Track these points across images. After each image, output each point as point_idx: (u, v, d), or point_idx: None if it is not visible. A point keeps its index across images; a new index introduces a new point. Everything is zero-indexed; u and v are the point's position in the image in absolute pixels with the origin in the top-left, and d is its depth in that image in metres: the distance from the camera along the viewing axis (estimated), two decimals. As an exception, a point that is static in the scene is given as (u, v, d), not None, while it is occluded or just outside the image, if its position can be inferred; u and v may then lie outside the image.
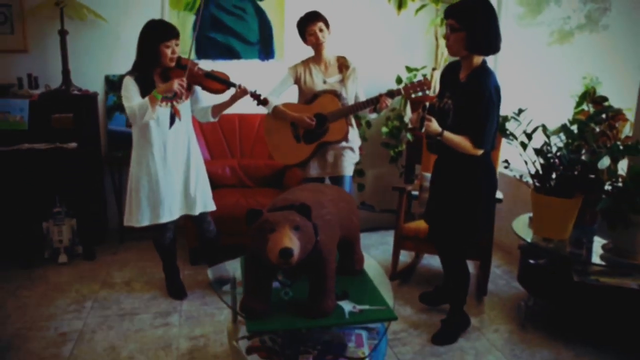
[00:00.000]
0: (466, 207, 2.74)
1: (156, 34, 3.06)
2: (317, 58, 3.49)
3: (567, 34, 3.98)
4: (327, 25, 3.40)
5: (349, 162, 3.53)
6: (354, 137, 3.56)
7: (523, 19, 4.36)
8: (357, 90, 3.52)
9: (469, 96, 2.57)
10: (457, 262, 2.92)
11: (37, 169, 3.92)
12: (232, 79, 3.27)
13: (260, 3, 4.51)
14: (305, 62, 3.52)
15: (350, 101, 3.46)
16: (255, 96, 3.29)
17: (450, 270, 2.95)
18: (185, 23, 4.36)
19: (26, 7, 4.13)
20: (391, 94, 3.30)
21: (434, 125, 2.56)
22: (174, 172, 3.19)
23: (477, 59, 2.62)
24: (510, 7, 4.35)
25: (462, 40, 2.53)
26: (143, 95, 3.03)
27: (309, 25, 3.37)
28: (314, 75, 3.46)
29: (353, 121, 3.56)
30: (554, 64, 4.04)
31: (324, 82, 3.45)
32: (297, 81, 3.51)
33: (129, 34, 4.33)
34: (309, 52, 3.51)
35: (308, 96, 3.47)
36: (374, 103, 3.32)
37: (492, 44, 2.56)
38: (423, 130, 2.57)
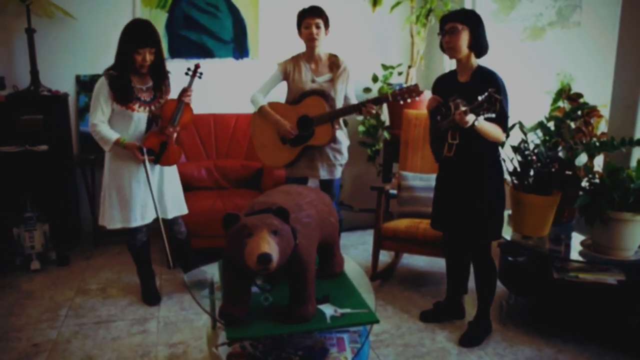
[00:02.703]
0: (489, 198, 2.75)
1: (130, 37, 2.98)
2: (308, 55, 3.42)
3: (539, 30, 4.00)
4: (326, 24, 3.34)
5: (338, 165, 3.50)
6: (342, 137, 3.50)
7: (496, 16, 4.37)
8: (347, 90, 3.45)
9: (483, 90, 2.55)
10: (487, 260, 2.87)
11: (6, 172, 3.80)
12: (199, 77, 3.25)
13: (233, 1, 4.45)
14: (295, 59, 3.44)
15: (339, 102, 3.40)
16: (193, 75, 3.19)
17: (481, 270, 2.90)
18: (157, 21, 4.27)
19: (-10, 5, 4.01)
20: (377, 100, 3.22)
21: (470, 115, 2.52)
22: (142, 176, 3.12)
23: (474, 61, 2.75)
24: (484, 4, 4.36)
25: (466, 39, 2.67)
26: (118, 95, 2.99)
27: (308, 18, 3.30)
28: (303, 73, 3.39)
29: (341, 122, 3.51)
30: (528, 60, 4.06)
31: (313, 80, 3.39)
32: (285, 78, 3.44)
33: (100, 32, 4.26)
34: (284, 50, 3.45)
35: (296, 95, 3.39)
36: (359, 109, 3.25)
37: (486, 44, 2.73)
38: (475, 120, 2.50)
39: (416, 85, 3.22)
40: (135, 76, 3.08)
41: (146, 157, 3.04)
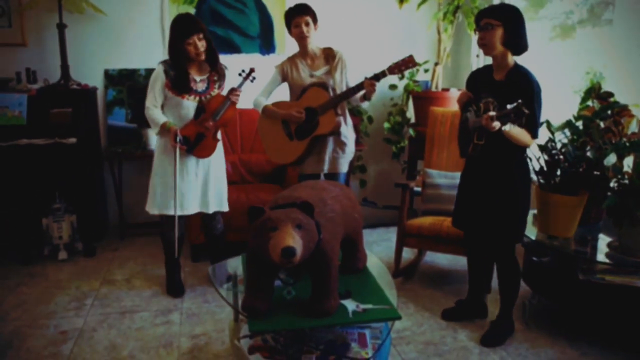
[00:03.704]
0: (515, 201, 2.72)
1: (176, 31, 3.08)
2: (302, 52, 3.44)
3: (569, 28, 3.93)
4: (314, 20, 3.34)
5: (345, 159, 3.48)
6: (347, 132, 3.49)
7: (525, 13, 4.30)
8: (347, 80, 3.44)
9: (516, 92, 2.55)
10: (512, 261, 2.85)
11: (36, 164, 3.88)
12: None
13: (260, -4, 4.48)
14: (291, 59, 3.47)
15: (341, 91, 3.39)
16: (245, 78, 3.32)
17: (505, 271, 2.88)
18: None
19: (24, 0, 4.09)
20: (376, 76, 3.21)
21: (497, 122, 2.48)
22: (191, 167, 3.22)
23: (511, 59, 2.68)
24: (513, 1, 4.30)
25: (500, 36, 2.61)
26: (173, 84, 3.12)
27: (296, 17, 3.31)
28: (301, 70, 3.41)
29: (348, 116, 3.50)
30: (557, 59, 3.99)
31: (311, 75, 3.40)
32: (285, 78, 3.47)
33: (128, 27, 4.33)
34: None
35: (297, 92, 3.41)
36: (360, 89, 3.23)
37: (524, 42, 2.66)
38: (501, 127, 2.46)
39: (411, 57, 3.21)
40: (192, 68, 3.19)
41: (179, 144, 3.11)
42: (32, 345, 2.83)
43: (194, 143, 3.17)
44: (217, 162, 3.34)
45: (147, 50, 4.37)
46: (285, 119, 3.39)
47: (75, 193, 4.01)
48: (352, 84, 3.40)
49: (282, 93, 3.55)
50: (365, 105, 3.46)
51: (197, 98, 3.18)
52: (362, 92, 3.27)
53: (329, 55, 3.43)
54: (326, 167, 3.45)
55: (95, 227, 4.21)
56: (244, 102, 3.99)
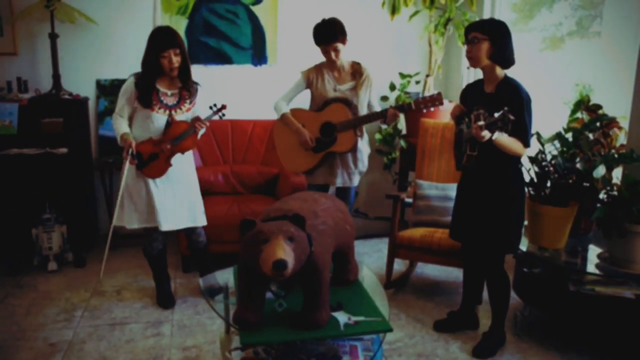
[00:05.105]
0: (509, 212, 2.73)
1: (153, 43, 3.07)
2: (330, 64, 3.44)
3: (558, 40, 3.98)
4: (344, 40, 3.31)
5: (357, 174, 3.51)
6: (364, 146, 3.51)
7: (515, 25, 4.36)
8: (370, 98, 3.46)
9: (506, 103, 2.57)
10: (500, 272, 2.86)
11: (27, 174, 3.86)
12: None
13: (253, 8, 4.48)
14: (319, 67, 3.46)
15: (362, 109, 3.41)
16: (215, 112, 3.25)
17: (494, 282, 2.89)
18: (177, 27, 4.31)
19: (16, 9, 4.09)
20: (401, 107, 3.24)
21: (486, 131, 2.52)
22: (163, 180, 3.18)
23: (500, 72, 2.71)
24: (503, 13, 4.35)
25: (486, 50, 2.64)
26: (142, 98, 3.10)
27: (324, 46, 3.30)
28: (326, 82, 3.42)
29: (364, 130, 3.51)
30: (547, 71, 4.03)
31: (335, 89, 3.41)
32: (309, 86, 3.47)
33: (120, 37, 4.32)
34: (303, 57, 3.47)
35: (319, 103, 3.42)
36: (383, 116, 3.26)
37: (511, 56, 2.69)
38: (491, 136, 2.49)
39: (439, 94, 3.22)
40: (163, 81, 3.16)
41: (129, 157, 3.06)
42: (21, 357, 2.80)
43: (146, 161, 3.11)
44: (185, 177, 3.27)
45: (139, 61, 4.34)
46: (297, 136, 3.41)
47: (66, 203, 3.99)
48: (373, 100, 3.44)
49: (303, 100, 3.57)
50: (383, 126, 3.48)
51: (168, 112, 3.14)
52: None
53: (357, 71, 3.43)
54: (339, 181, 3.47)
55: (85, 238, 4.18)
56: (235, 112, 4.01)
